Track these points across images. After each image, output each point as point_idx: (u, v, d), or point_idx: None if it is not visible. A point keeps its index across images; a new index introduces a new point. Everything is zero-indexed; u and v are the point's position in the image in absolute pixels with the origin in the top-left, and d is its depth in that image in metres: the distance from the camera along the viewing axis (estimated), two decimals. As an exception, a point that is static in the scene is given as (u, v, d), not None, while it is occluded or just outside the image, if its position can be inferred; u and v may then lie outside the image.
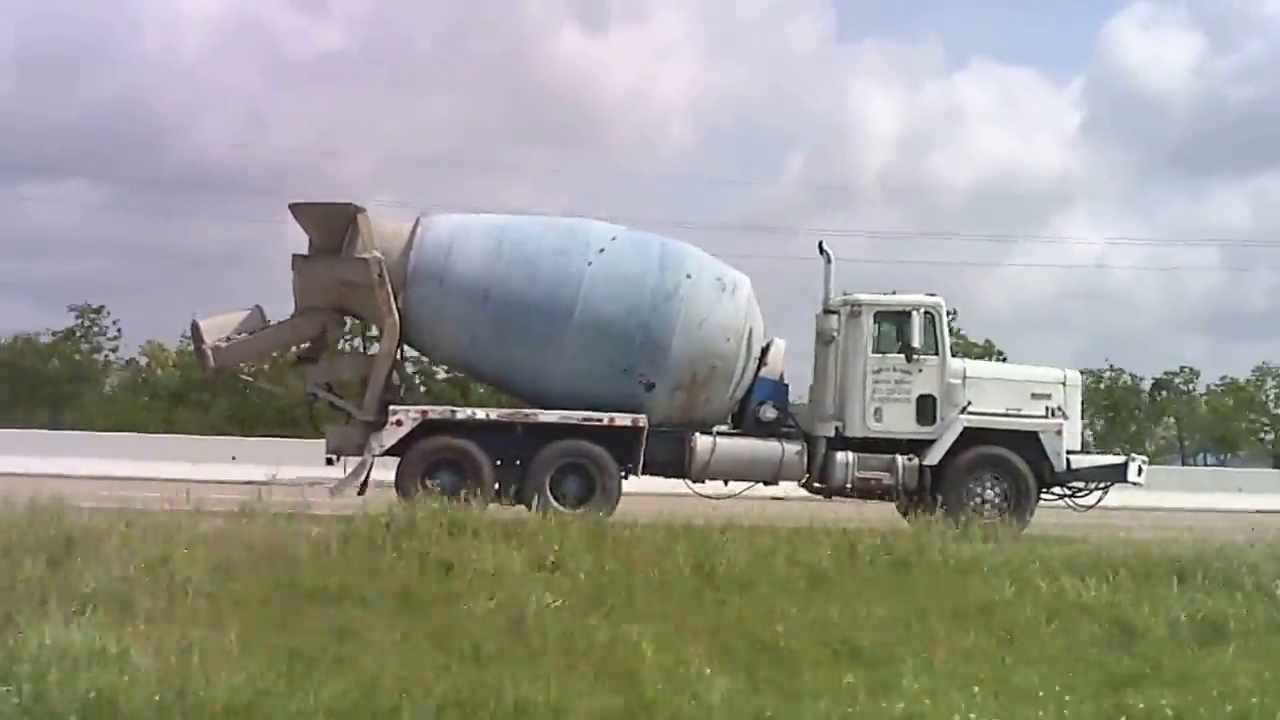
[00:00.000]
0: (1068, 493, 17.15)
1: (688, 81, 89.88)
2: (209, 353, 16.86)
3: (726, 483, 17.03)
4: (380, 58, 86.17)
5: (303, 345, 17.36)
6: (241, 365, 17.93)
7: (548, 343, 16.37)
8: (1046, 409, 16.93)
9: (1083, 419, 17.82)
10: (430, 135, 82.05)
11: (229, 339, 16.95)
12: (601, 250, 16.64)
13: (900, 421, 16.77)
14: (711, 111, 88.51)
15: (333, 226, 16.70)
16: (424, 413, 16.40)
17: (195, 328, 17.20)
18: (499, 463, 16.25)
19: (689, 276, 16.66)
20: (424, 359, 23.27)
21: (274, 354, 18.21)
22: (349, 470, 16.46)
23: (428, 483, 15.76)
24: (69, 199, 72.60)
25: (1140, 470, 17.02)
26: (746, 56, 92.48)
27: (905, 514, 17.10)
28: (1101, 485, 17.13)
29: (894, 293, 17.56)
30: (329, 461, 16.87)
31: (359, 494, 16.32)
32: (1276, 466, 45.54)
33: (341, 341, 18.43)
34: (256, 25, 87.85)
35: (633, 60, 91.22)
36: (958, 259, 65.96)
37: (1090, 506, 17.05)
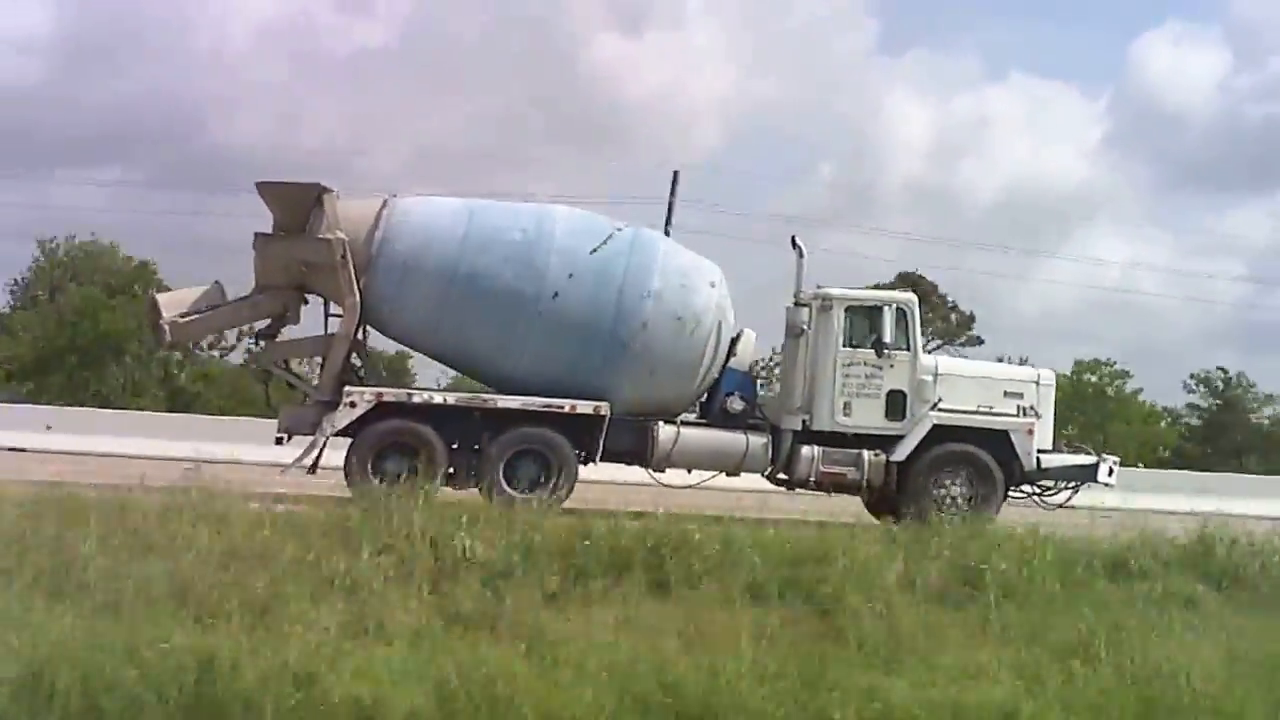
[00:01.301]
0: (1036, 491, 16.87)
1: (725, 87, 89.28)
2: (165, 328, 16.55)
3: (690, 472, 16.74)
4: (418, 55, 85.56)
5: (263, 323, 17.06)
6: (197, 340, 17.56)
7: (511, 328, 16.03)
8: (1019, 408, 16.65)
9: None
10: (463, 131, 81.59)
11: (186, 315, 16.63)
12: (569, 236, 16.31)
13: (869, 416, 16.45)
14: (745, 117, 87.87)
15: (298, 206, 16.36)
16: (379, 395, 16.05)
17: (153, 302, 16.93)
18: (454, 447, 15.92)
19: (658, 265, 16.34)
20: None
21: (231, 330, 17.83)
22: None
23: (377, 465, 15.55)
24: (103, 185, 72.35)
25: (1111, 471, 16.76)
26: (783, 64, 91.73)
27: (870, 508, 16.87)
28: (1071, 485, 16.84)
29: (876, 288, 17.27)
30: (278, 441, 16.59)
31: (309, 473, 16.09)
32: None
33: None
34: (297, 21, 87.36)
35: (669, 64, 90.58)
36: (985, 268, 65.54)
37: (1059, 506, 16.75)
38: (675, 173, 16.72)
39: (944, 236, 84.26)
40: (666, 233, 16.53)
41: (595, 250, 16.06)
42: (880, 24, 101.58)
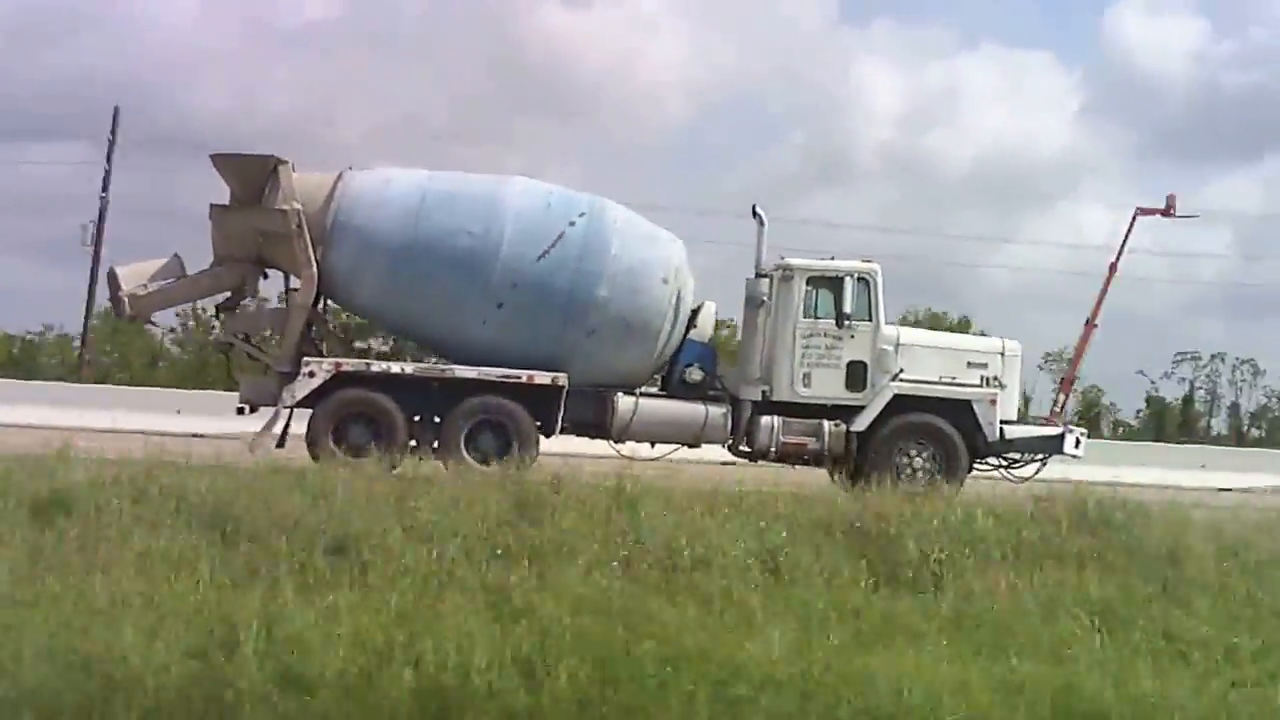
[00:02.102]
0: (1003, 463, 16.66)
1: (686, 57, 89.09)
2: (124, 300, 16.52)
3: (653, 445, 16.57)
4: (369, 25, 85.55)
5: (222, 295, 17.01)
6: (157, 313, 17.50)
7: (467, 299, 15.91)
8: (982, 378, 16.43)
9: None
10: (423, 103, 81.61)
11: (145, 287, 16.59)
12: (526, 207, 16.21)
13: (829, 387, 16.27)
14: (712, 88, 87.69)
15: (253, 178, 16.32)
16: (337, 365, 15.94)
17: (112, 275, 16.84)
18: (416, 418, 15.82)
19: (617, 234, 16.20)
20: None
21: (191, 303, 17.78)
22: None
23: (340, 435, 15.49)
24: (62, 158, 72.36)
25: (1078, 442, 16.56)
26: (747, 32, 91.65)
27: (834, 479, 16.67)
28: (1038, 457, 16.61)
29: (832, 258, 17.03)
30: (239, 411, 16.52)
31: (278, 446, 15.98)
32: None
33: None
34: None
35: (629, 34, 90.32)
36: (962, 236, 65.41)
37: (1027, 478, 16.50)
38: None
39: (921, 206, 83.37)
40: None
41: (541, 257, 15.89)
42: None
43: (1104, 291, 23.44)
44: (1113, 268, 23.23)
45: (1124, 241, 22.44)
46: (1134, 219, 18.81)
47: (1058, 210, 78.02)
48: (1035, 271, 71.90)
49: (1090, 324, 23.59)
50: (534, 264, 15.88)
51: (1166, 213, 20.75)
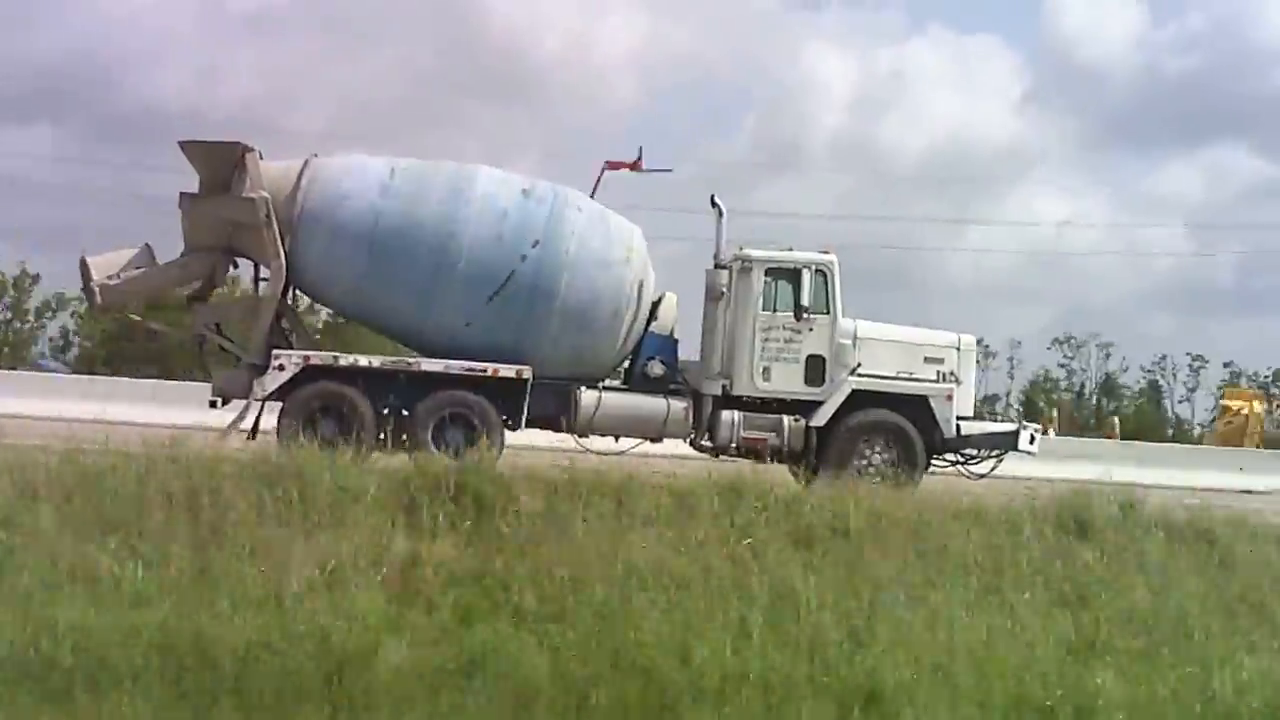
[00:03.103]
0: (960, 459, 16.80)
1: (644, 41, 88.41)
2: (96, 290, 16.67)
3: (617, 439, 16.80)
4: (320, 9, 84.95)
5: (193, 285, 17.19)
6: (129, 303, 17.66)
7: (433, 289, 16.07)
8: (939, 373, 16.54)
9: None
10: (380, 86, 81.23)
11: (117, 277, 16.74)
12: (489, 196, 16.32)
13: (788, 381, 16.39)
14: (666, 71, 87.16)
15: (221, 165, 16.41)
16: (306, 358, 16.15)
17: (84, 264, 16.92)
18: (385, 410, 16.00)
19: (578, 225, 16.32)
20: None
21: (162, 292, 17.93)
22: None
23: (310, 428, 15.67)
24: (29, 144, 72.24)
25: (1033, 439, 16.62)
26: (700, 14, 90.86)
27: (795, 476, 16.87)
28: (994, 454, 16.79)
29: (790, 249, 17.13)
30: (212, 404, 16.72)
31: (249, 439, 16.22)
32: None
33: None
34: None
35: (580, 17, 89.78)
36: (916, 224, 65.68)
37: (984, 475, 16.70)
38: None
39: (874, 193, 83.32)
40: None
41: (493, 296, 16.00)
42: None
43: None
44: None
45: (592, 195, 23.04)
46: (602, 172, 18.92)
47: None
48: (989, 260, 71.75)
49: None
50: (497, 254, 16.02)
51: (635, 166, 20.99)
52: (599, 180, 18.30)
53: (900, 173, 74.90)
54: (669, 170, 25.17)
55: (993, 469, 16.80)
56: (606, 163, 20.41)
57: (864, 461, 16.20)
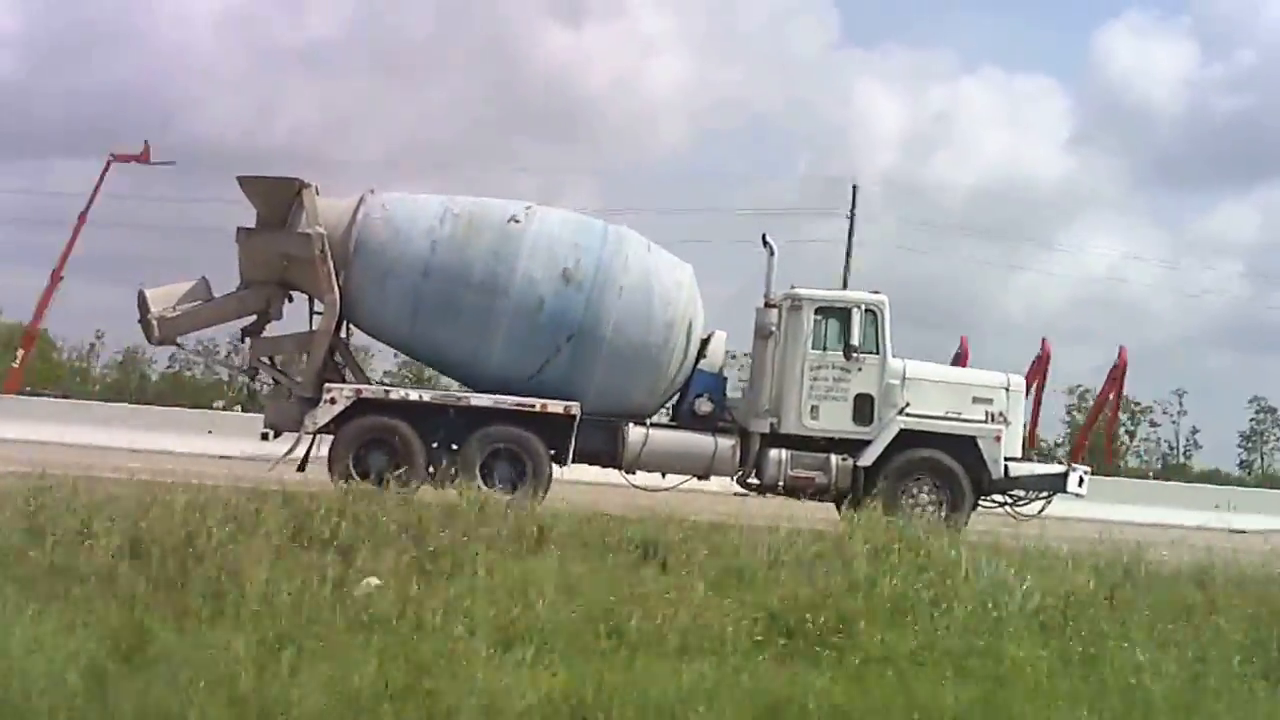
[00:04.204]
0: (1008, 501, 16.77)
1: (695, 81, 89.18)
2: (154, 323, 16.92)
3: (664, 475, 16.84)
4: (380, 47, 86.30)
5: (248, 318, 17.42)
6: (184, 336, 17.93)
7: (485, 326, 16.27)
8: (987, 414, 16.55)
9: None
10: (438, 125, 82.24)
11: (175, 309, 17.00)
12: (544, 234, 16.50)
13: (837, 420, 16.44)
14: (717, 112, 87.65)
15: (278, 200, 16.71)
16: (358, 391, 16.36)
17: (141, 297, 17.22)
18: (434, 445, 16.18)
19: (630, 263, 16.48)
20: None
21: (217, 325, 18.19)
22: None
23: (360, 461, 15.87)
24: (84, 176, 73.39)
25: (1081, 481, 16.59)
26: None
27: (842, 514, 16.85)
28: (1043, 495, 16.75)
29: (843, 289, 17.23)
30: (264, 437, 16.93)
31: (299, 470, 16.40)
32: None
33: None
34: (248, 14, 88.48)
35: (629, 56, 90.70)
36: (969, 263, 65.38)
37: (1032, 516, 16.61)
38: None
39: (926, 229, 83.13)
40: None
41: (557, 285, 16.18)
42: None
43: (72, 242, 25.71)
44: (82, 217, 25.30)
45: (96, 190, 22.77)
46: (108, 165, 18.96)
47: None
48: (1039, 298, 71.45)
49: (56, 274, 26.06)
50: (549, 292, 16.20)
51: (142, 158, 20.85)
52: (104, 172, 18.48)
53: (951, 211, 74.65)
54: (172, 163, 26.32)
55: (1041, 510, 16.74)
56: (112, 155, 20.61)
57: (911, 501, 16.22)
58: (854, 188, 41.17)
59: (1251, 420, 62.79)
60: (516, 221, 16.53)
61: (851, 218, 39.80)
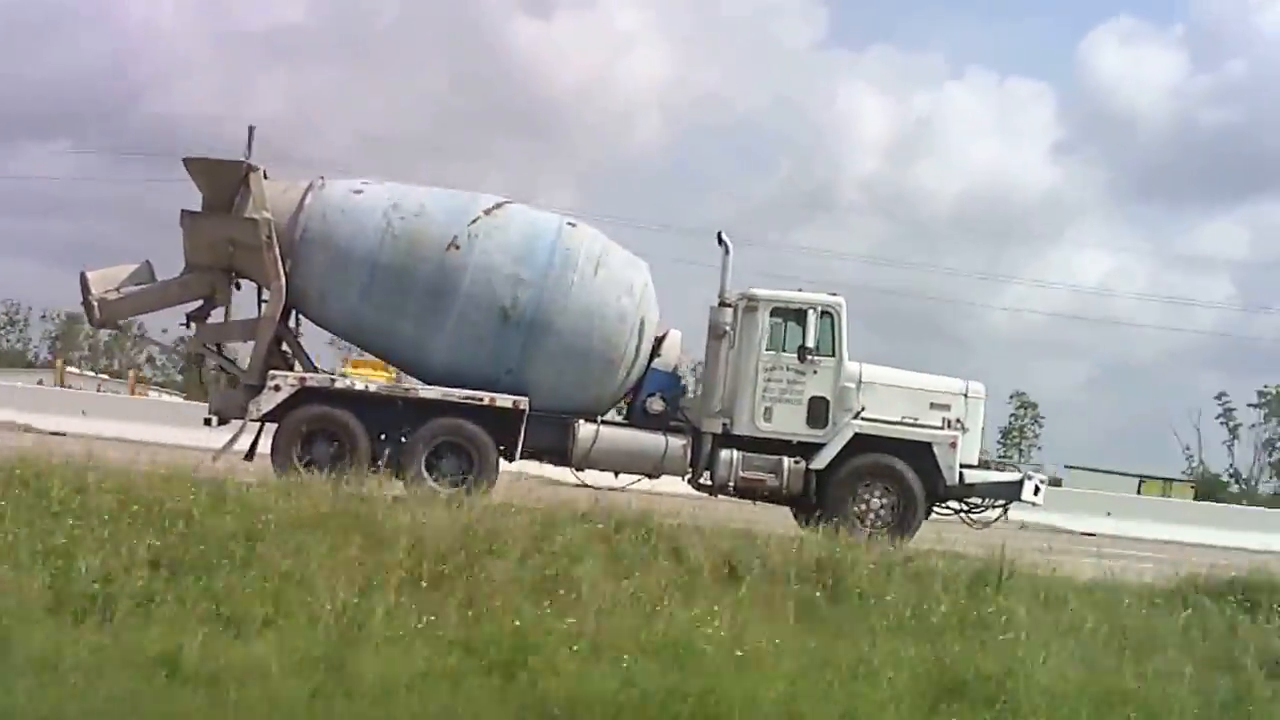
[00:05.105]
0: (964, 508, 16.50)
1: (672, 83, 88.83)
2: (95, 305, 16.57)
3: (617, 475, 16.53)
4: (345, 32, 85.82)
5: (192, 303, 17.04)
6: (126, 319, 17.56)
7: (432, 316, 15.94)
8: (944, 420, 16.24)
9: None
10: (398, 116, 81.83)
11: (117, 292, 16.64)
12: (494, 225, 16.16)
13: (790, 423, 16.11)
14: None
15: (225, 184, 16.34)
16: (302, 380, 16.00)
17: (83, 279, 16.85)
18: (381, 436, 15.81)
19: (582, 259, 16.13)
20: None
21: (161, 310, 17.78)
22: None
23: (304, 451, 15.56)
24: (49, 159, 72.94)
25: (1037, 489, 16.32)
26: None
27: (797, 517, 16.61)
28: (999, 503, 16.50)
29: (800, 290, 16.92)
30: (206, 423, 16.63)
31: (246, 459, 16.10)
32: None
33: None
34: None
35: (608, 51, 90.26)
36: (951, 272, 65.65)
37: (988, 524, 16.39)
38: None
39: (911, 238, 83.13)
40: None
41: (506, 277, 15.88)
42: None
43: None
44: None
45: None
46: None
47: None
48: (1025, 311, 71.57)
49: None
50: (499, 285, 15.87)
51: None
52: None
53: (936, 217, 74.70)
54: None
55: (997, 518, 16.50)
56: None
57: (862, 507, 15.92)
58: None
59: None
60: (465, 212, 16.17)
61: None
